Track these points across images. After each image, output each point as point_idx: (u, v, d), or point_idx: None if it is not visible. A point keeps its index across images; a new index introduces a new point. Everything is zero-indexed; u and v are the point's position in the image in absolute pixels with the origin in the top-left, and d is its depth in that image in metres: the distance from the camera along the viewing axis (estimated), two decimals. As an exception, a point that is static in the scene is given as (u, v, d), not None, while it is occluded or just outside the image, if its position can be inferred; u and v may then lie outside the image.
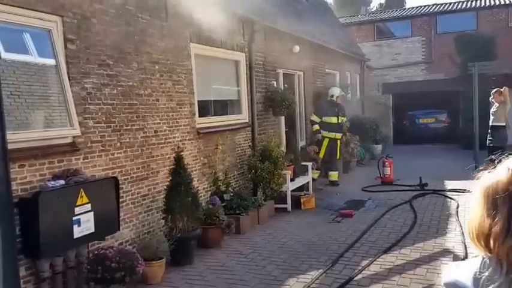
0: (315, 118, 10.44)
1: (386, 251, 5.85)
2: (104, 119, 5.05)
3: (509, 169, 1.13)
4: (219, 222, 6.15)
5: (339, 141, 10.58)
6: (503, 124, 10.36)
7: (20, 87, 4.26)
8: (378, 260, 5.56)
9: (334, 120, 10.42)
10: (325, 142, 10.31)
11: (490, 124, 10.63)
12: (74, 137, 4.63)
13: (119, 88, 5.27)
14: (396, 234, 6.55)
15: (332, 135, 10.40)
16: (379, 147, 15.32)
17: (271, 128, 9.32)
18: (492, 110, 10.63)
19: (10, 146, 3.99)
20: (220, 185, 7.22)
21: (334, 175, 10.52)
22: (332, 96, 10.68)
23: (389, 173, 10.67)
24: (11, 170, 4.01)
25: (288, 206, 8.23)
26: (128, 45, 5.43)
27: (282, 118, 9.90)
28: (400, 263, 5.47)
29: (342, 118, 10.65)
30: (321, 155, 10.24)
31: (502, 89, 10.48)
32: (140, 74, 5.64)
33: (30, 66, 4.52)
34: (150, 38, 5.81)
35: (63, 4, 4.57)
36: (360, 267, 5.30)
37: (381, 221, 7.41)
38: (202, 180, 6.91)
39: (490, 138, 10.59)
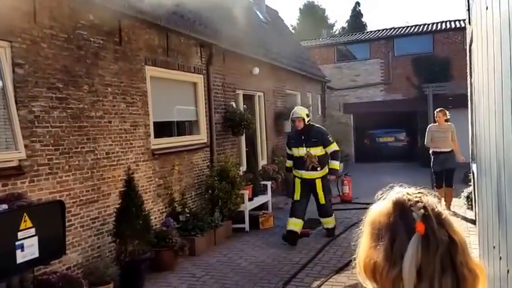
0: (287, 150, 7.96)
1: (339, 271, 5.94)
2: (52, 141, 5.01)
3: (390, 200, 1.13)
4: (172, 245, 6.13)
5: (318, 182, 7.53)
6: (450, 150, 8.81)
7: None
8: (329, 280, 5.64)
9: (300, 152, 7.50)
10: (297, 183, 7.63)
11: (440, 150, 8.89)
12: (19, 160, 4.57)
13: (69, 111, 5.25)
14: (350, 254, 6.57)
15: (301, 174, 7.54)
16: (340, 165, 15.57)
17: (230, 148, 9.40)
18: (438, 133, 8.89)
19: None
20: (176, 206, 7.21)
21: (328, 221, 7.77)
22: (292, 120, 7.66)
23: (348, 191, 10.88)
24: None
25: (246, 225, 8.28)
26: (79, 69, 5.43)
27: (242, 138, 10.00)
28: (352, 283, 5.55)
29: (312, 149, 7.42)
30: (296, 197, 7.63)
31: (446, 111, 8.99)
32: (91, 96, 5.64)
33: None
34: (102, 61, 5.83)
35: (12, 30, 4.57)
36: (311, 288, 5.37)
37: (336, 240, 7.54)
38: (157, 201, 6.88)
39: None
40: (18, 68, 4.64)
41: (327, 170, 7.58)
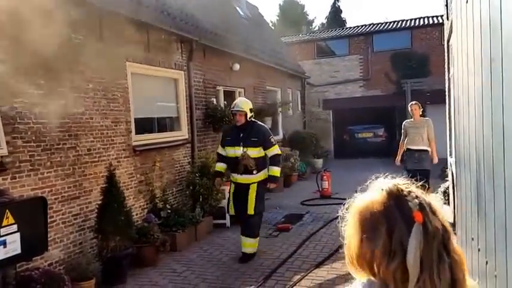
0: (219, 150, 6.68)
1: (318, 265, 6.05)
2: (34, 138, 5.00)
3: (382, 189, 1.11)
4: (154, 240, 6.17)
5: (253, 188, 6.24)
6: (425, 149, 8.20)
7: None
8: (309, 275, 5.73)
9: (237, 152, 6.27)
10: (231, 189, 6.48)
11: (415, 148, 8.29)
12: (1, 156, 4.55)
13: (50, 107, 5.24)
14: (330, 248, 6.78)
15: (236, 178, 6.36)
16: (320, 161, 15.82)
17: (211, 144, 9.45)
18: (413, 129, 8.30)
19: None
20: (157, 202, 7.24)
21: (248, 244, 6.33)
22: (232, 114, 6.48)
23: (327, 187, 11.04)
24: None
25: (227, 221, 8.33)
26: (60, 65, 5.41)
27: (223, 134, 10.05)
28: (331, 278, 5.66)
29: (250, 149, 6.21)
30: (231, 210, 6.46)
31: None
32: (73, 92, 5.62)
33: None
34: (83, 58, 5.81)
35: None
36: (292, 283, 5.46)
37: (316, 235, 7.66)
38: (138, 197, 6.91)
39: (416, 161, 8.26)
40: (-1, 64, 4.61)
41: (264, 175, 6.34)
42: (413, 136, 8.27)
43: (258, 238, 6.48)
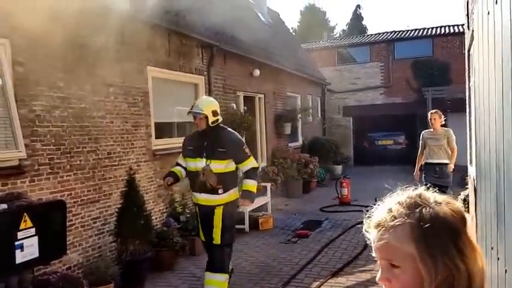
0: (179, 159, 5.20)
1: (337, 272, 5.96)
2: (53, 141, 5.01)
3: (454, 205, 1.04)
4: (173, 245, 6.13)
5: (218, 211, 4.80)
6: (447, 162, 7.46)
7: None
8: (328, 281, 5.65)
9: (198, 165, 4.84)
10: (196, 211, 5.09)
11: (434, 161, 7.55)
12: (19, 159, 4.57)
13: (70, 110, 5.26)
14: (349, 255, 6.68)
15: (197, 198, 4.95)
16: (340, 168, 15.68)
17: (230, 150, 9.39)
18: (432, 140, 7.54)
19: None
20: (176, 207, 7.20)
21: (213, 282, 4.86)
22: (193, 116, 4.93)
23: (346, 194, 10.89)
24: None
25: (246, 226, 8.28)
26: (81, 68, 5.43)
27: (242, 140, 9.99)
28: (350, 284, 5.58)
29: (214, 162, 4.77)
30: (201, 236, 5.05)
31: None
32: (93, 96, 5.64)
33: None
34: (105, 61, 5.82)
35: (13, 26, 4.56)
36: (310, 289, 5.38)
37: (335, 241, 7.54)
38: (158, 201, 6.89)
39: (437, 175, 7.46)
40: (18, 66, 4.64)
41: (234, 196, 4.92)
42: (433, 148, 7.53)
43: (228, 276, 4.90)
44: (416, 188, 1.08)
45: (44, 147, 4.89)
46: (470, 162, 7.54)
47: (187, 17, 7.99)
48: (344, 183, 10.93)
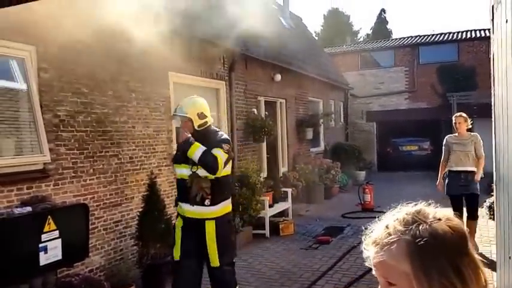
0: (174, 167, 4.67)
1: (359, 279, 5.89)
2: (77, 145, 5.12)
3: (461, 227, 1.02)
4: (193, 249, 6.15)
5: (210, 227, 4.19)
6: (474, 169, 6.78)
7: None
8: (349, 288, 5.60)
9: (183, 172, 4.29)
10: (177, 228, 4.38)
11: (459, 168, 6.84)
12: (44, 163, 4.68)
13: (93, 115, 5.36)
14: (371, 262, 6.59)
15: (183, 210, 4.30)
16: (363, 173, 15.51)
17: (251, 155, 9.43)
18: (457, 146, 6.85)
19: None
20: (197, 212, 7.24)
21: None
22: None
23: (369, 200, 10.75)
24: (-21, 196, 4.06)
25: (266, 232, 8.26)
26: (104, 74, 5.55)
27: (263, 145, 10.02)
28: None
29: (201, 168, 4.16)
30: (175, 253, 4.34)
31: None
32: (116, 101, 5.74)
33: (2, 94, 4.63)
34: (127, 67, 5.93)
35: (38, 34, 4.69)
36: (331, 296, 5.34)
37: (357, 248, 7.45)
38: (178, 206, 6.93)
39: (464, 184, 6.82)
40: (43, 72, 4.77)
41: (227, 209, 4.31)
42: (458, 155, 6.82)
43: None
44: (416, 204, 1.05)
45: (68, 152, 5.00)
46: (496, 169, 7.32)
47: (209, 23, 8.06)
48: (367, 189, 10.81)
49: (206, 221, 4.18)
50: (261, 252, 7.34)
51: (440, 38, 19.35)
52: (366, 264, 1.07)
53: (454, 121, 6.99)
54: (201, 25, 7.69)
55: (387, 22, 36.32)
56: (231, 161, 4.34)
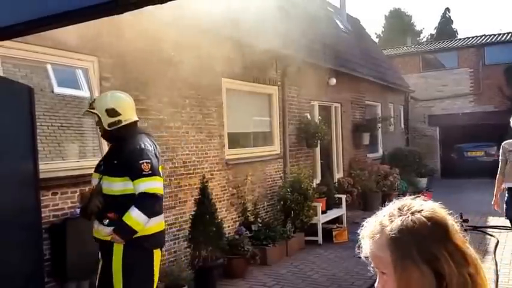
0: None
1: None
2: (134, 150, 5.36)
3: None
4: (244, 253, 6.26)
5: (117, 253, 3.30)
6: None
7: (59, 120, 4.71)
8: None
9: (94, 180, 3.53)
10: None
11: None
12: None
13: (150, 121, 5.61)
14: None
15: (95, 230, 3.47)
16: (424, 180, 14.90)
17: (304, 160, 9.40)
18: None
19: (47, 175, 4.38)
20: (248, 216, 7.35)
21: None
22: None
23: (428, 208, 10.36)
24: (45, 198, 4.38)
25: (319, 238, 8.19)
26: (160, 82, 5.78)
27: (317, 150, 9.96)
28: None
29: (106, 180, 3.39)
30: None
31: None
32: (171, 108, 5.97)
33: (69, 101, 4.99)
34: (182, 75, 6.14)
35: (100, 45, 5.00)
36: (382, 305, 5.21)
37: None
38: (230, 210, 7.08)
39: None
40: (104, 81, 5.07)
41: (147, 230, 3.36)
42: None
43: None
44: (415, 198, 1.12)
45: (125, 156, 5.26)
46: None
47: (261, 27, 8.15)
48: (425, 197, 10.41)
49: (114, 246, 3.34)
50: (313, 259, 7.29)
51: (508, 37, 18.31)
52: (361, 256, 1.15)
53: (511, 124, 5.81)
54: (252, 31, 7.79)
55: (452, 21, 34.95)
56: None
